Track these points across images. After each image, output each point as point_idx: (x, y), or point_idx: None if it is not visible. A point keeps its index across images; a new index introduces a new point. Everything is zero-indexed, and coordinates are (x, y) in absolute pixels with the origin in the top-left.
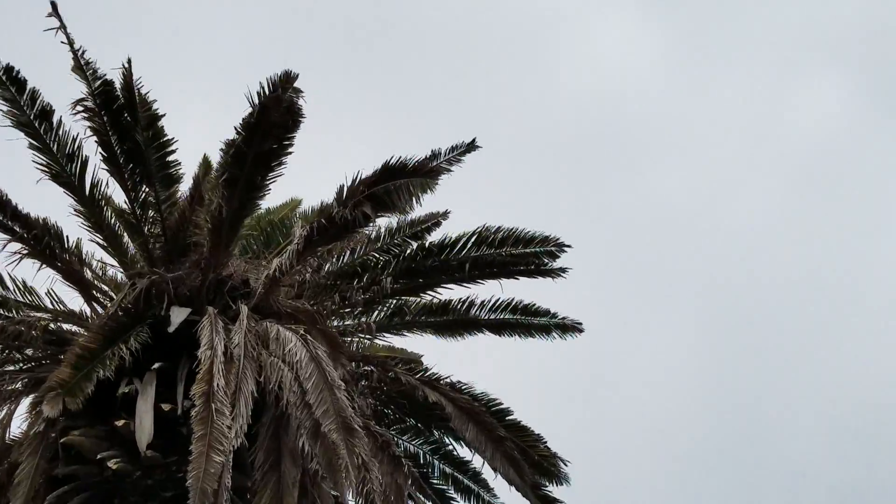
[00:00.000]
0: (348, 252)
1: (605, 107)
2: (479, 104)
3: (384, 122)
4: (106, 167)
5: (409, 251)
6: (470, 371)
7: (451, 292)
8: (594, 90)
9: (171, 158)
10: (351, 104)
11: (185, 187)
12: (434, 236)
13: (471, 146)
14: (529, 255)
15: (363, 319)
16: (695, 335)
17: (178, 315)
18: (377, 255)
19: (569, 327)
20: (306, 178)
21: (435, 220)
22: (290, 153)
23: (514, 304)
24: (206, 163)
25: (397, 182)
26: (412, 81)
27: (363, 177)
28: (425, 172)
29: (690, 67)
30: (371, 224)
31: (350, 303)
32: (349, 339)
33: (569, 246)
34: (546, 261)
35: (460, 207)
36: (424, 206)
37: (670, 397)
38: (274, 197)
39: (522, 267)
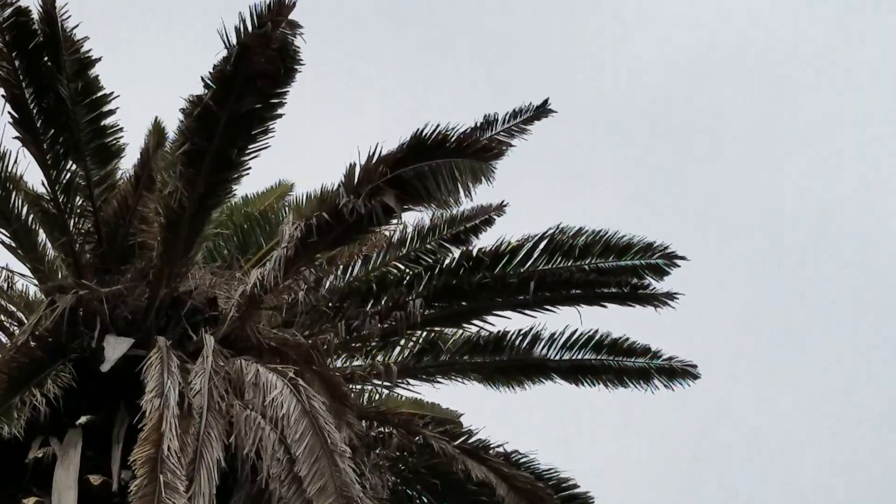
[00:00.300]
0: (360, 261)
1: (712, 73)
2: (536, 69)
3: (414, 94)
4: (17, 132)
5: (447, 262)
6: (515, 422)
7: (506, 321)
8: (692, 52)
9: (108, 122)
10: (373, 65)
11: (128, 164)
12: (484, 240)
13: (541, 110)
14: (624, 270)
15: (379, 359)
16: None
17: (116, 348)
18: (402, 267)
19: (678, 371)
20: (302, 161)
21: (485, 215)
22: (280, 116)
23: (598, 338)
24: (158, 130)
25: (435, 162)
26: (449, 44)
27: (384, 153)
28: (477, 150)
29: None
30: (394, 221)
31: (361, 335)
32: (359, 386)
33: (682, 258)
34: (648, 279)
35: (512, 201)
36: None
37: (820, 464)
38: (255, 180)
39: (614, 288)
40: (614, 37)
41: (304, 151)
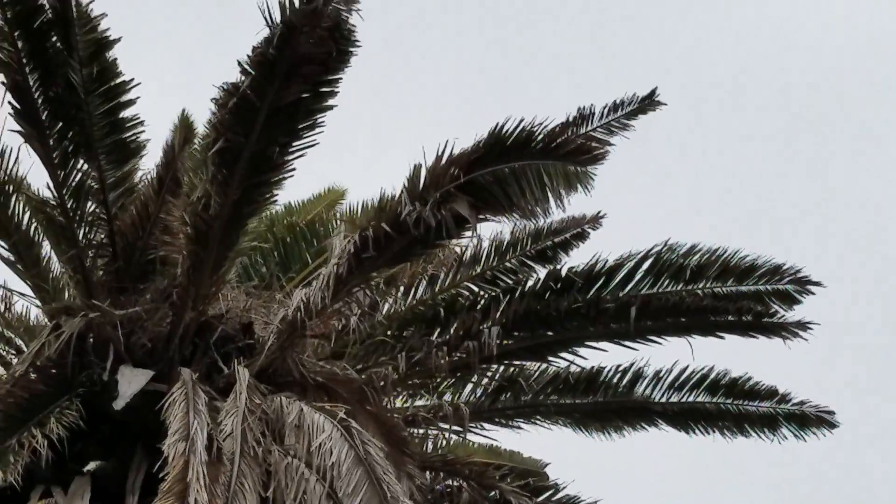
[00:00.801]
0: (425, 282)
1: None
2: (632, 55)
3: (490, 90)
4: (19, 125)
5: (531, 283)
6: (611, 475)
7: (602, 355)
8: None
9: (127, 114)
10: (442, 55)
11: (149, 164)
12: (575, 258)
13: (647, 102)
14: (745, 296)
15: (447, 398)
16: None
17: (132, 381)
18: (475, 289)
19: (811, 419)
20: (356, 164)
21: (576, 228)
22: (331, 108)
23: (714, 377)
24: (185, 124)
25: (518, 164)
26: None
27: (456, 152)
28: (571, 151)
29: None
30: (467, 234)
31: (426, 369)
32: (422, 431)
33: (817, 283)
34: (775, 307)
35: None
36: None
37: None
38: (300, 185)
39: (732, 317)
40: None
41: (360, 153)
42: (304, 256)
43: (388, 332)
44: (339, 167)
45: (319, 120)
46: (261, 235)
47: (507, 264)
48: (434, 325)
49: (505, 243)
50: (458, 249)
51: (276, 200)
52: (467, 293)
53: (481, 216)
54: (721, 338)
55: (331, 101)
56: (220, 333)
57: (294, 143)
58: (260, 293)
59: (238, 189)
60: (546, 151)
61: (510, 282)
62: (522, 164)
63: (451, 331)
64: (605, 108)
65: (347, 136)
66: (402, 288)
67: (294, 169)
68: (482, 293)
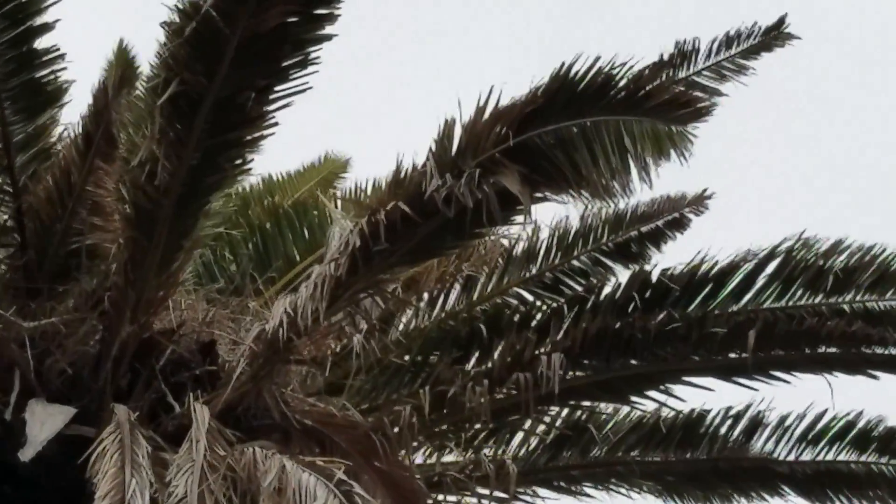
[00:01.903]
0: (458, 287)
1: None
2: None
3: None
4: None
5: (607, 291)
6: None
7: (704, 395)
8: None
9: (41, 44)
10: None
11: (72, 115)
12: (668, 255)
13: (773, 35)
14: None
15: (488, 452)
16: None
17: (46, 422)
18: (528, 297)
19: None
20: (365, 128)
21: (671, 214)
22: (328, 38)
23: (863, 428)
24: (123, 59)
25: (590, 120)
26: None
27: (502, 105)
28: (665, 102)
29: None
30: (518, 219)
31: (458, 410)
32: (453, 497)
33: None
34: None
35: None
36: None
37: None
38: (284, 153)
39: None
40: None
41: (370, 116)
42: (289, 250)
43: (407, 357)
44: (341, 134)
45: (312, 55)
46: (229, 219)
47: (575, 263)
48: (470, 347)
49: (571, 234)
50: (504, 242)
51: (250, 169)
52: (518, 304)
53: (538, 194)
54: (874, 377)
55: (329, 29)
56: (169, 356)
57: (276, 87)
58: (227, 300)
59: (197, 151)
60: (630, 103)
61: (578, 288)
62: (596, 121)
63: (495, 357)
64: (713, 43)
65: (353, 93)
66: (426, 295)
67: (276, 123)
68: (539, 304)
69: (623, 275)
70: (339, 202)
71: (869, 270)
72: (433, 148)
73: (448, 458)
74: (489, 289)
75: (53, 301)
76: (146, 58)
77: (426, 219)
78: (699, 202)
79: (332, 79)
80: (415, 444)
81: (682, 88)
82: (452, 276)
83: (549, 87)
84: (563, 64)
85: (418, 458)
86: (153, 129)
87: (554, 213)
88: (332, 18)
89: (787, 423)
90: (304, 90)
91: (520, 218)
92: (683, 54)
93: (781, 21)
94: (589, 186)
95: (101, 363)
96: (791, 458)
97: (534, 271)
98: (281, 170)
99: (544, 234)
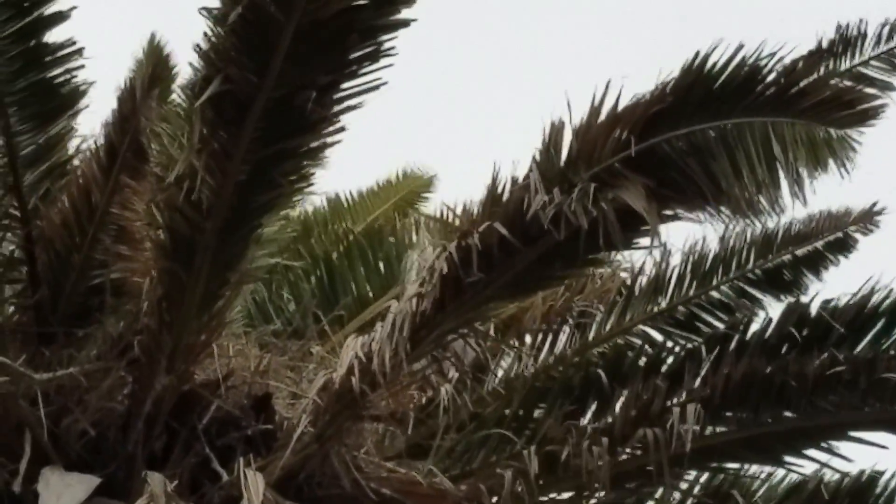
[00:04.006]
0: (569, 326)
1: None
2: None
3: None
4: None
5: (755, 329)
6: None
7: (880, 453)
8: None
9: (54, 40)
10: None
11: (91, 123)
12: (828, 284)
13: None
14: None
15: None
16: None
17: (64, 495)
18: (657, 337)
19: None
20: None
21: (832, 233)
22: (407, 24)
23: None
24: (156, 55)
25: (732, 122)
26: None
27: (622, 105)
28: (825, 101)
29: None
30: (643, 241)
31: (572, 474)
32: None
33: None
34: None
35: None
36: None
37: None
38: (353, 167)
39: None
40: None
41: (463, 124)
42: (360, 285)
43: (507, 411)
44: (423, 146)
45: (386, 45)
46: (287, 248)
47: (714, 295)
48: (586, 399)
49: (709, 259)
50: (626, 270)
51: (312, 187)
52: (643, 345)
53: (667, 211)
54: None
55: (405, 13)
56: (214, 413)
57: (342, 85)
58: (285, 345)
59: (246, 163)
60: (780, 102)
61: (719, 325)
62: (739, 124)
63: (617, 410)
64: (883, 27)
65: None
66: (529, 336)
67: (342, 129)
68: (670, 345)
69: (774, 308)
70: (421, 226)
71: None
72: (537, 157)
73: None
74: (608, 327)
75: (72, 348)
76: (185, 56)
77: (529, 243)
78: (867, 219)
79: (411, 77)
80: None
81: (846, 83)
82: (562, 313)
83: (681, 82)
84: (696, 54)
85: None
86: (192, 138)
87: (687, 234)
88: (409, 1)
89: None
90: (376, 88)
91: (645, 241)
92: (846, 41)
93: None
94: (730, 202)
95: (131, 422)
96: None
97: (663, 305)
98: (350, 189)
99: (675, 261)
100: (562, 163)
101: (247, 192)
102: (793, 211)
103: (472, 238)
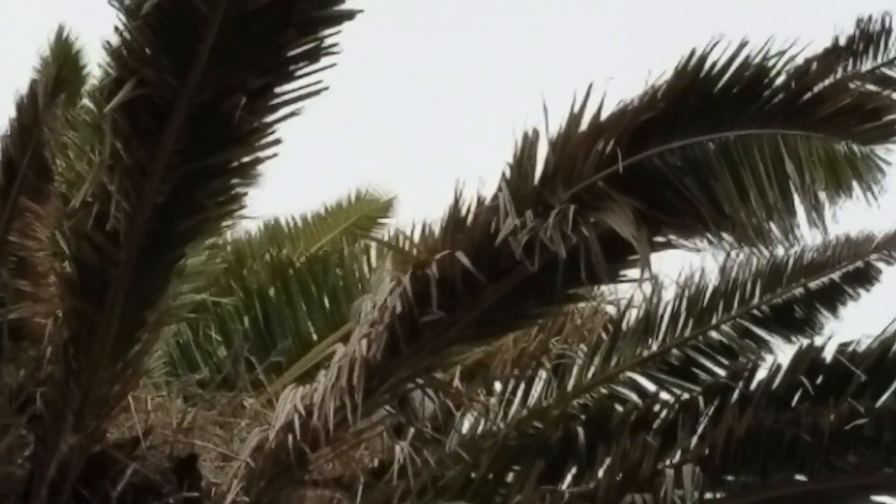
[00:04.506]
0: (546, 373)
1: None
2: None
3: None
4: None
5: (761, 378)
6: None
7: None
8: None
9: None
10: None
11: None
12: (847, 323)
13: None
14: None
15: None
16: None
17: None
18: (647, 386)
19: None
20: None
21: (852, 262)
22: (352, 16)
23: None
24: (64, 54)
25: (735, 134)
26: None
27: (607, 112)
28: (845, 111)
29: None
30: (630, 275)
31: None
32: None
33: None
34: None
35: None
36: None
37: None
38: (293, 187)
39: None
40: None
41: (425, 137)
42: (302, 324)
43: (474, 475)
44: (382, 163)
45: (328, 42)
46: (216, 282)
47: (713, 336)
48: (565, 459)
49: (707, 294)
50: (611, 307)
51: (244, 210)
52: (630, 394)
53: (659, 238)
54: None
55: (352, 3)
56: (130, 478)
57: (277, 89)
58: (213, 397)
59: (165, 182)
60: (792, 110)
61: (719, 372)
62: (744, 136)
63: (600, 473)
64: None
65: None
66: (498, 385)
67: (279, 142)
68: (662, 396)
69: (784, 352)
70: (373, 254)
71: None
72: (507, 174)
73: None
74: (590, 374)
75: None
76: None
77: (498, 276)
78: (892, 245)
79: (362, 80)
80: None
81: (869, 87)
82: (537, 358)
83: (674, 85)
84: (692, 53)
85: None
86: (102, 153)
87: (682, 264)
88: None
89: None
90: (317, 93)
91: (634, 272)
92: (868, 38)
93: None
94: (734, 229)
95: (33, 490)
96: None
97: (654, 348)
98: (292, 213)
99: (669, 295)
100: (536, 181)
101: (167, 216)
102: (809, 239)
103: (431, 269)
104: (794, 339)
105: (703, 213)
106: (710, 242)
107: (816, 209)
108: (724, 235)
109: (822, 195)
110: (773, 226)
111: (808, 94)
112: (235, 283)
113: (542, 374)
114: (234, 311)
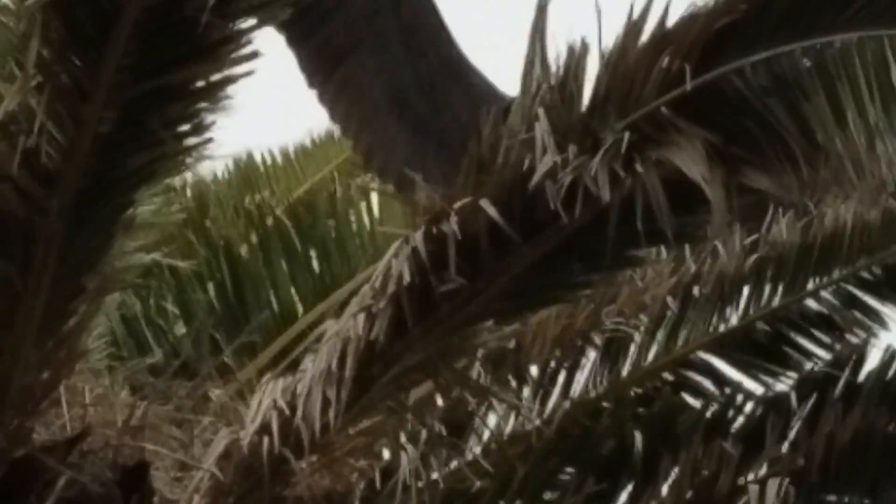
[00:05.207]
0: (595, 354)
1: None
2: None
3: None
4: None
5: (870, 366)
6: None
7: None
8: None
9: None
10: None
11: None
12: None
13: None
14: None
15: None
16: None
17: None
18: (722, 370)
19: None
20: None
21: None
22: None
23: None
24: None
25: (841, 37)
26: None
27: (671, 21)
28: None
29: None
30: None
31: None
32: None
33: None
34: None
35: None
36: None
37: None
38: (272, 118)
39: None
40: None
41: None
42: (284, 291)
43: (499, 491)
44: None
45: None
46: (171, 237)
47: (810, 305)
48: (620, 470)
49: (800, 253)
50: (667, 272)
51: (209, 143)
52: (704, 381)
53: (739, 177)
54: None
55: None
56: (64, 491)
57: None
58: (168, 387)
59: (110, 108)
60: None
61: (819, 353)
62: (846, 40)
63: (664, 489)
64: None
65: None
66: (534, 371)
67: (256, 55)
68: (745, 386)
69: None
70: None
71: None
72: (547, 98)
73: None
74: (651, 355)
75: None
76: None
77: (533, 232)
78: None
79: None
80: None
81: None
82: (583, 337)
83: None
84: None
85: None
86: (27, 66)
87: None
88: None
89: None
90: None
91: (706, 226)
92: None
93: None
94: (828, 163)
95: None
96: None
97: (734, 322)
98: (270, 147)
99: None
100: (583, 107)
101: (112, 152)
102: None
103: (448, 223)
104: None
105: (792, 147)
106: (804, 188)
107: None
108: (816, 178)
109: None
110: (882, 164)
111: None
112: (197, 239)
113: (591, 355)
114: (194, 275)
